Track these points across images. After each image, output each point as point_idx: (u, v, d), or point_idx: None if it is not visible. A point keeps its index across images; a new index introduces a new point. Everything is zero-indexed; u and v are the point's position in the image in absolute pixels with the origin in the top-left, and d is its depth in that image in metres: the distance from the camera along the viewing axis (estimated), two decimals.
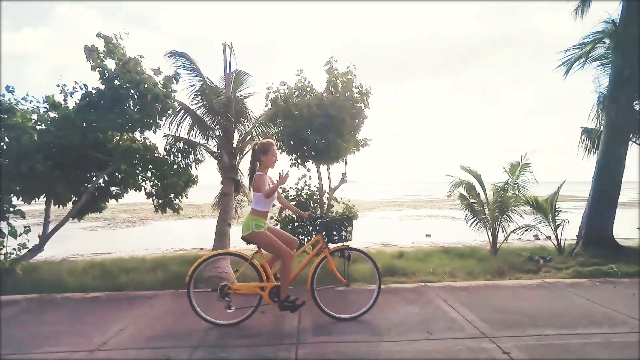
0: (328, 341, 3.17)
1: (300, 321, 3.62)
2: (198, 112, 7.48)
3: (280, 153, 7.18)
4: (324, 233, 3.71)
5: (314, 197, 6.69)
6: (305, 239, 6.22)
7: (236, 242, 5.67)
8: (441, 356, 2.86)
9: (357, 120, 6.25)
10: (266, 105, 6.51)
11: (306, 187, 6.75)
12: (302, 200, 6.63)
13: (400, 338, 3.19)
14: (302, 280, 3.90)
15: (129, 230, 17.36)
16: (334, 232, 3.69)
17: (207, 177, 8.14)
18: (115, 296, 4.55)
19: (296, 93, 6.11)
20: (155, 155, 6.90)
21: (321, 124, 5.81)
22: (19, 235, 5.16)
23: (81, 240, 13.75)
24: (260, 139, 7.66)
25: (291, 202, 6.16)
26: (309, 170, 6.56)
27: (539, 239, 10.70)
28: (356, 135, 6.39)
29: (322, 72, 6.16)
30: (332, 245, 3.73)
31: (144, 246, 11.83)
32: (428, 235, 13.67)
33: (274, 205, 3.75)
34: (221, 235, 7.09)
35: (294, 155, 6.32)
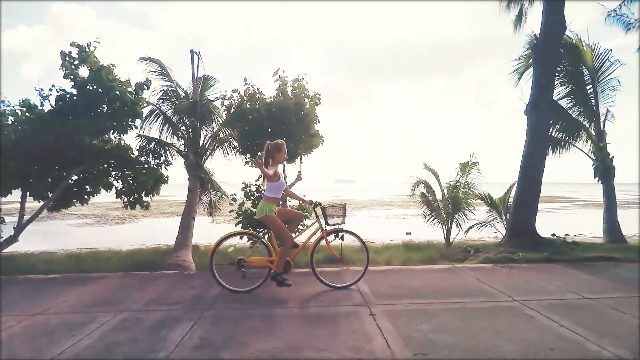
0: (233, 307, 3.78)
1: (219, 293, 4.22)
2: (168, 114, 8.09)
3: (236, 153, 7.80)
4: (321, 217, 4.43)
5: None
6: None
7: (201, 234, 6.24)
8: (321, 317, 3.46)
9: (310, 122, 6.81)
10: (223, 111, 7.10)
11: None
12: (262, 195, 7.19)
13: (294, 306, 3.80)
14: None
15: (118, 227, 18.03)
16: (330, 216, 4.44)
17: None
18: (71, 277, 5.17)
19: (248, 98, 6.69)
20: (130, 155, 7.38)
21: (270, 127, 6.41)
22: None
23: (71, 236, 14.44)
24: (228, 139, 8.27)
25: (251, 197, 6.75)
26: None
27: None
28: (316, 137, 6.91)
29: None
30: (328, 227, 4.47)
31: (131, 241, 12.42)
32: (409, 233, 14.17)
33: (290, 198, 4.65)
34: (185, 228, 7.69)
35: (249, 155, 6.92)
